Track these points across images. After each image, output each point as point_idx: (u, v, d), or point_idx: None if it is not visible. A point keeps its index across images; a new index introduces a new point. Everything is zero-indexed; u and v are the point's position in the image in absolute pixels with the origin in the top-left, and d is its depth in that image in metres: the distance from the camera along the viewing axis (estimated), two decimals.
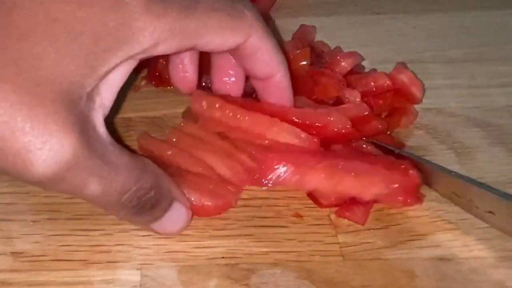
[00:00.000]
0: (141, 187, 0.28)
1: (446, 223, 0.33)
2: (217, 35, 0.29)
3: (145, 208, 0.29)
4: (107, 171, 0.26)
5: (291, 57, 0.40)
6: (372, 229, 0.33)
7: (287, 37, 0.46)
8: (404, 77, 0.39)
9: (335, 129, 0.34)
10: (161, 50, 0.27)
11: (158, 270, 0.30)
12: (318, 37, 0.47)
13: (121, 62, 0.26)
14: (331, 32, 0.47)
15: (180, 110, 0.39)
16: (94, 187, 0.26)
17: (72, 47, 0.24)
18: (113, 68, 0.26)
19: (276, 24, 0.49)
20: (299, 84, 0.40)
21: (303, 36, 0.46)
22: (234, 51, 0.32)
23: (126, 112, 0.40)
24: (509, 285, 0.30)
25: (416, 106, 0.40)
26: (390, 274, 0.30)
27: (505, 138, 0.38)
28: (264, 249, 0.31)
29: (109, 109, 0.28)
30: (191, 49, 0.30)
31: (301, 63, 0.40)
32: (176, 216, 0.31)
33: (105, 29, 0.25)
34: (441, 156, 0.37)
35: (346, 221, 0.33)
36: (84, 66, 0.25)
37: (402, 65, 0.40)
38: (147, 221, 0.30)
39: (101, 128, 0.27)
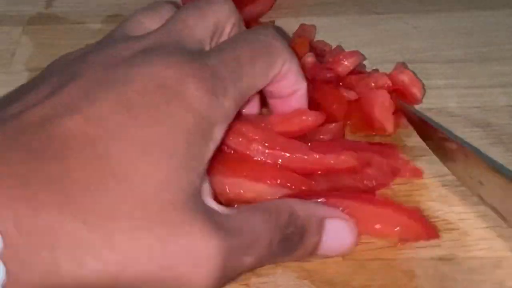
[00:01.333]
0: (281, 228, 0.27)
1: (446, 223, 0.33)
2: (263, 78, 0.30)
3: (296, 243, 0.28)
4: (248, 241, 0.26)
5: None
6: None
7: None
8: (404, 77, 0.39)
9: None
10: (230, 122, 0.28)
11: None
12: (318, 37, 0.47)
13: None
14: (331, 32, 0.47)
15: None
16: (248, 261, 0.26)
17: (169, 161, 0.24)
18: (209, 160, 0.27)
19: (276, 24, 0.49)
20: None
21: (303, 36, 0.46)
22: None
23: None
24: (509, 285, 0.30)
25: (416, 106, 0.40)
26: (390, 274, 0.30)
27: (505, 138, 0.38)
28: None
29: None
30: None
31: (304, 60, 0.40)
32: (335, 233, 0.29)
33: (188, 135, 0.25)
34: None
35: None
36: (190, 174, 0.25)
37: (402, 65, 0.40)
38: (309, 252, 0.29)
39: (220, 208, 0.26)
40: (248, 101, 0.33)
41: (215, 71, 0.27)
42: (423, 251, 0.31)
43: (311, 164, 0.33)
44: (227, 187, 0.32)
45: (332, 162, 0.33)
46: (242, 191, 0.32)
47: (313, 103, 0.39)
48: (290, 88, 0.33)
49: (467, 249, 0.31)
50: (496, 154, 0.37)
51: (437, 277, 0.30)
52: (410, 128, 0.39)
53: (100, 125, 0.23)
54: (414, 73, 0.39)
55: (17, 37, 0.49)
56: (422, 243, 0.32)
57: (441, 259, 0.31)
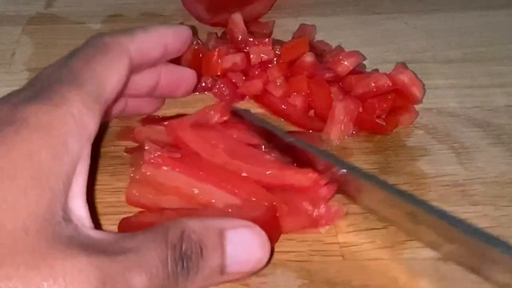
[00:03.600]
0: (173, 246, 0.25)
1: None
2: (111, 76, 0.29)
3: (196, 259, 0.26)
4: (133, 260, 0.24)
5: (289, 47, 0.40)
6: (372, 229, 0.33)
7: (287, 37, 0.46)
8: (404, 77, 0.39)
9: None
10: (92, 129, 0.27)
11: None
12: (318, 37, 0.47)
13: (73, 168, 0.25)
14: (331, 32, 0.48)
15: (179, 110, 0.39)
16: (138, 281, 0.24)
17: (17, 184, 0.23)
18: (71, 176, 0.25)
19: (276, 24, 0.49)
20: (297, 85, 0.40)
21: (303, 36, 0.46)
22: None
23: None
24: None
25: (416, 106, 0.40)
26: (390, 274, 0.30)
27: (505, 138, 0.38)
28: None
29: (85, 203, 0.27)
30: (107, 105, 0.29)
31: (303, 59, 0.40)
32: (241, 243, 0.27)
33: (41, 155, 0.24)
34: (441, 156, 0.37)
35: (346, 221, 0.33)
36: (42, 194, 0.23)
37: (402, 65, 0.40)
38: (217, 269, 0.27)
39: (97, 234, 0.25)
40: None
41: (48, 86, 0.26)
42: (423, 251, 0.31)
43: (270, 179, 0.33)
44: (196, 190, 0.32)
45: (289, 179, 0.33)
46: (212, 200, 0.32)
47: (306, 100, 0.40)
48: (158, 50, 0.33)
49: None
50: (496, 154, 0.37)
51: (437, 277, 0.30)
52: (410, 128, 0.39)
53: None
54: (414, 73, 0.39)
55: (17, 37, 0.49)
56: (422, 242, 0.32)
57: (441, 259, 0.31)
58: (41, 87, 0.27)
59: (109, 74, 0.29)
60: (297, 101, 0.40)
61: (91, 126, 0.27)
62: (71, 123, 0.25)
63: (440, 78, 0.44)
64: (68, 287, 0.22)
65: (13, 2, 0.53)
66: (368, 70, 0.43)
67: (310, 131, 0.39)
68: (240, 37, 0.43)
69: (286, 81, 0.41)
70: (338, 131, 0.38)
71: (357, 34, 0.48)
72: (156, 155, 0.33)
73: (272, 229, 0.31)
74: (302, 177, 0.32)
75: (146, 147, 0.33)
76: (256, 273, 0.30)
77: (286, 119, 0.40)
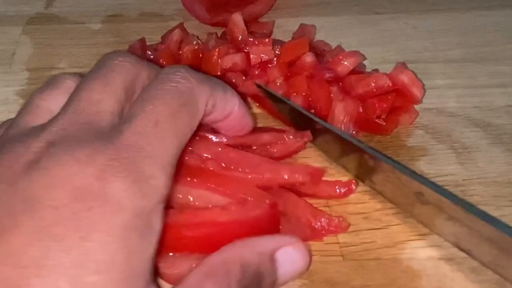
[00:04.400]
0: (238, 284, 0.25)
1: None
2: (188, 131, 0.26)
3: (256, 286, 0.26)
4: None
5: (289, 47, 0.40)
6: (372, 229, 0.33)
7: (287, 37, 0.46)
8: (404, 77, 0.38)
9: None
10: (167, 194, 0.24)
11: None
12: (318, 37, 0.47)
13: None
14: (331, 32, 0.48)
15: None
16: None
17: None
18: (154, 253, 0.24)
19: (276, 24, 0.49)
20: (297, 85, 0.40)
21: (303, 36, 0.46)
22: None
23: None
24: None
25: (416, 106, 0.40)
26: (390, 274, 0.30)
27: (505, 138, 0.38)
28: None
29: None
30: None
31: (303, 59, 0.40)
32: (288, 262, 0.27)
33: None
34: (441, 156, 0.37)
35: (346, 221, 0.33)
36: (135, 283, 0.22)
37: (402, 65, 0.40)
38: (270, 284, 0.27)
39: None
40: None
41: (135, 148, 0.23)
42: (423, 251, 0.31)
43: (266, 182, 0.33)
44: (191, 198, 0.31)
45: (286, 177, 0.33)
46: (208, 204, 0.31)
47: (306, 100, 0.40)
48: (222, 115, 0.30)
49: None
50: (496, 154, 0.37)
51: (437, 277, 0.30)
52: (410, 128, 0.39)
53: (16, 263, 0.20)
54: (414, 73, 0.39)
55: (17, 37, 0.49)
56: (422, 243, 0.32)
57: (441, 259, 0.31)
58: (124, 145, 0.23)
59: (188, 133, 0.26)
60: (297, 101, 0.40)
61: (167, 195, 0.24)
62: (157, 200, 0.23)
63: (440, 78, 0.44)
64: None
65: (13, 2, 0.53)
66: (368, 70, 0.43)
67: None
68: (240, 37, 0.43)
69: (286, 82, 0.41)
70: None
71: (357, 34, 0.48)
72: None
73: (273, 226, 0.31)
74: (298, 174, 0.33)
75: None
76: None
77: (283, 120, 0.40)
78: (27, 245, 0.21)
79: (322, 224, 0.32)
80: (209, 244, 0.28)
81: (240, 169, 0.33)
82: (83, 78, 0.27)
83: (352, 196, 0.34)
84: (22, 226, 0.21)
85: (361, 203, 0.34)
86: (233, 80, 0.41)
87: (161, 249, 0.26)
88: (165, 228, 0.25)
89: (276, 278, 0.27)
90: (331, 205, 0.34)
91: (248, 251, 0.26)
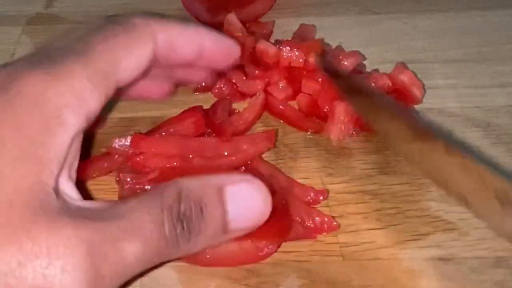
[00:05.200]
0: (170, 207, 0.25)
1: (446, 223, 0.33)
2: (126, 55, 0.27)
3: (196, 220, 0.25)
4: (125, 226, 0.23)
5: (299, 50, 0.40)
6: (372, 229, 0.33)
7: (287, 36, 0.46)
8: (404, 77, 0.39)
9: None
10: (93, 106, 0.25)
11: (159, 270, 0.30)
12: (318, 37, 0.47)
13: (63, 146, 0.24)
14: (331, 32, 0.47)
15: (180, 110, 0.39)
16: (131, 248, 0.23)
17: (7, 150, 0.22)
18: (64, 148, 0.24)
19: (276, 24, 0.49)
20: (309, 85, 0.40)
21: (303, 36, 0.46)
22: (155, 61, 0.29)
23: (125, 112, 0.40)
24: (509, 285, 0.30)
25: (416, 106, 0.40)
26: (390, 274, 0.30)
27: (505, 138, 0.38)
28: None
29: (75, 174, 0.26)
30: (117, 88, 0.27)
31: (310, 59, 0.40)
32: (242, 198, 0.26)
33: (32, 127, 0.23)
34: None
35: (346, 221, 0.33)
36: (31, 166, 0.22)
37: (402, 65, 0.40)
38: (219, 228, 0.26)
39: (87, 204, 0.24)
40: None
41: (56, 55, 0.25)
42: (423, 251, 0.31)
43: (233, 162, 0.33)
44: None
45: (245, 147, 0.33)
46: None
47: (313, 101, 0.39)
48: (191, 50, 0.30)
49: (467, 249, 0.31)
50: (496, 154, 0.37)
51: (437, 277, 0.30)
52: None
53: None
54: (414, 73, 0.39)
55: (17, 37, 0.49)
56: (422, 243, 0.32)
57: (441, 259, 0.31)
58: (48, 54, 0.25)
59: (127, 55, 0.27)
60: (303, 102, 0.40)
61: (92, 103, 0.25)
62: (70, 96, 0.24)
63: (440, 78, 0.43)
64: (53, 262, 0.21)
65: (13, 2, 0.53)
66: (368, 70, 0.43)
67: (310, 131, 0.39)
68: (239, 34, 0.43)
69: (288, 84, 0.41)
70: (338, 131, 0.38)
71: (357, 34, 0.48)
72: (132, 182, 0.32)
73: (285, 216, 0.31)
74: (256, 141, 0.34)
75: (120, 178, 0.33)
76: (256, 273, 0.30)
77: (284, 120, 0.40)
78: None
79: (316, 222, 0.32)
80: None
81: (204, 156, 0.33)
82: None
83: (352, 196, 0.34)
84: None
85: (361, 203, 0.34)
86: (233, 80, 0.41)
87: None
88: None
89: (224, 211, 0.26)
90: (331, 205, 0.34)
91: (189, 181, 0.26)
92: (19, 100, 0.23)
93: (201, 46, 0.31)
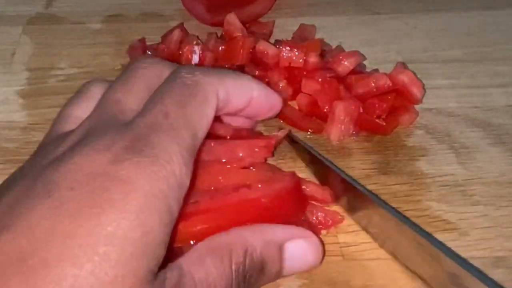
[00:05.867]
0: (238, 268, 0.26)
1: (446, 223, 0.33)
2: (203, 121, 0.27)
3: (257, 277, 0.27)
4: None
5: (299, 50, 0.40)
6: None
7: (287, 37, 0.46)
8: (404, 77, 0.39)
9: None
10: (187, 187, 0.25)
11: None
12: (318, 37, 0.47)
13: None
14: (331, 32, 0.48)
15: None
16: None
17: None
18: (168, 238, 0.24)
19: (276, 24, 0.49)
20: (309, 86, 0.40)
21: (303, 36, 0.46)
22: None
23: None
24: (509, 285, 0.30)
25: (416, 106, 0.40)
26: (390, 274, 0.30)
27: (505, 138, 0.38)
28: None
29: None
30: None
31: (307, 59, 0.40)
32: (298, 255, 0.28)
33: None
34: (441, 156, 0.37)
35: (346, 221, 0.33)
36: (147, 261, 0.22)
37: (402, 65, 0.40)
38: (272, 279, 0.28)
39: (168, 275, 0.24)
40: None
41: (149, 137, 0.24)
42: None
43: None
44: None
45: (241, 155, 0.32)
46: None
47: (313, 101, 0.39)
48: (241, 102, 0.31)
49: (467, 249, 0.31)
50: (496, 154, 0.37)
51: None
52: (410, 128, 0.39)
53: (30, 236, 0.21)
54: (414, 73, 0.39)
55: (17, 37, 0.49)
56: None
57: None
58: (139, 135, 0.24)
59: (202, 121, 0.27)
60: (304, 101, 0.40)
61: (187, 184, 0.25)
62: (175, 185, 0.24)
63: (440, 78, 0.44)
64: None
65: (13, 2, 0.53)
66: (368, 70, 0.43)
67: (310, 131, 0.39)
68: (239, 34, 0.43)
69: (288, 84, 0.41)
70: (338, 131, 0.38)
71: (357, 34, 0.48)
72: None
73: (300, 198, 0.31)
74: (253, 148, 0.33)
75: None
76: None
77: (284, 121, 0.40)
78: (41, 218, 0.22)
79: (319, 218, 0.32)
80: (242, 221, 0.29)
81: (199, 159, 0.32)
82: (111, 83, 0.29)
83: None
84: (38, 206, 0.22)
85: None
86: None
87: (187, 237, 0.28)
88: (194, 214, 0.27)
89: (281, 268, 0.28)
90: (331, 205, 0.34)
91: (255, 237, 0.27)
92: (136, 193, 0.23)
93: (251, 97, 0.31)
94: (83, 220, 0.22)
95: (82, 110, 0.28)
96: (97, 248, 0.21)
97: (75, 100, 0.30)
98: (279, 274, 0.28)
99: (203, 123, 0.27)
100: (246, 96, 0.31)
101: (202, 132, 0.27)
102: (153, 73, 0.28)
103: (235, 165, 0.32)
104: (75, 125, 0.28)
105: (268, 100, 0.33)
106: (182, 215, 0.28)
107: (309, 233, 0.29)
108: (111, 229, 0.22)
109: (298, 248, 0.28)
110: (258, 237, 0.27)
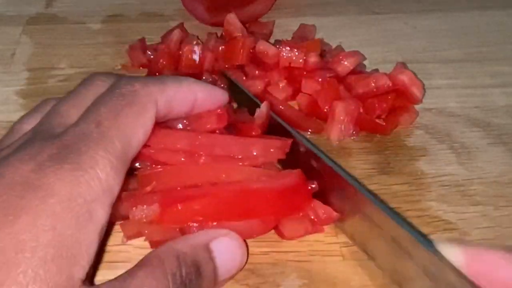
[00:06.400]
0: (173, 275, 0.26)
1: (446, 223, 0.33)
2: (139, 130, 0.28)
3: (196, 280, 0.27)
4: None
5: (299, 50, 0.40)
6: None
7: (287, 37, 0.46)
8: (404, 77, 0.39)
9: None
10: (116, 192, 0.26)
11: None
12: (318, 37, 0.47)
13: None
14: (331, 32, 0.48)
15: None
16: None
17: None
18: (94, 243, 0.24)
19: (276, 24, 0.49)
20: (309, 86, 0.40)
21: (303, 36, 0.46)
22: None
23: None
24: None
25: (416, 106, 0.40)
26: None
27: (505, 138, 0.38)
28: (264, 249, 0.31)
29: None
30: None
31: (307, 59, 0.40)
32: (225, 251, 0.29)
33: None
34: (441, 156, 0.37)
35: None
36: (63, 264, 0.23)
37: (402, 65, 0.40)
38: (212, 281, 0.28)
39: None
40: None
41: (76, 145, 0.25)
42: None
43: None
44: None
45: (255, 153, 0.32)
46: None
47: (313, 101, 0.39)
48: (187, 106, 0.31)
49: None
50: (496, 154, 0.37)
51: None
52: (410, 128, 0.39)
53: None
54: (414, 73, 0.39)
55: (17, 37, 0.49)
56: None
57: None
58: (67, 143, 0.25)
59: (136, 130, 0.27)
60: (304, 101, 0.40)
61: (116, 190, 0.26)
62: (98, 189, 0.24)
63: (440, 78, 0.44)
64: None
65: (13, 2, 0.53)
66: (368, 70, 0.43)
67: (310, 132, 0.39)
68: (239, 34, 0.43)
69: (288, 84, 0.41)
70: (338, 131, 0.38)
71: (357, 34, 0.48)
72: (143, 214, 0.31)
73: (303, 195, 0.31)
74: (268, 148, 0.32)
75: (132, 213, 0.31)
76: (255, 273, 0.30)
77: (285, 120, 0.40)
78: None
79: (319, 215, 0.32)
80: (242, 210, 0.29)
81: (213, 154, 0.32)
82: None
83: None
84: None
85: None
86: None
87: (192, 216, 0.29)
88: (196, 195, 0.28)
89: (215, 266, 0.28)
90: None
91: (181, 244, 0.27)
92: (52, 199, 0.23)
93: (194, 100, 0.32)
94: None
95: (30, 124, 0.29)
96: (11, 258, 0.22)
97: (26, 115, 0.30)
98: (217, 276, 0.28)
99: (139, 132, 0.27)
100: (190, 100, 0.31)
101: (136, 140, 0.27)
102: (103, 89, 0.29)
103: (247, 163, 0.32)
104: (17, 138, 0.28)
105: (213, 98, 0.33)
106: (181, 197, 0.29)
107: (227, 231, 0.29)
108: (24, 237, 0.22)
109: (223, 245, 0.29)
110: (184, 244, 0.28)
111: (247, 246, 0.30)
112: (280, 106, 0.40)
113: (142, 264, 0.26)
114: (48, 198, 0.23)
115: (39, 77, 0.44)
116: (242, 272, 0.30)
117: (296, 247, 0.31)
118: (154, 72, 0.42)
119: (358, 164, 0.37)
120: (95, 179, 0.24)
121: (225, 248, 0.29)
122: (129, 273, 0.25)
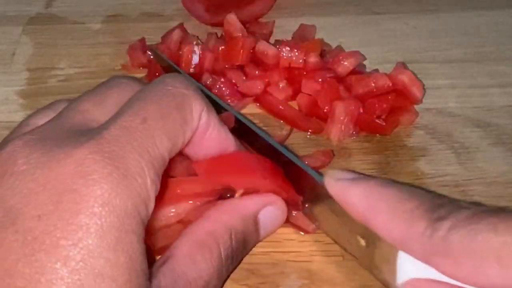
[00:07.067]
0: (226, 254, 0.26)
1: None
2: (180, 136, 0.25)
3: (241, 252, 0.28)
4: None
5: (299, 50, 0.40)
6: None
7: (287, 37, 0.46)
8: (404, 77, 0.39)
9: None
10: (152, 208, 0.23)
11: None
12: (318, 37, 0.47)
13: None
14: (331, 32, 0.47)
15: None
16: None
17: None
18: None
19: (276, 24, 0.49)
20: (309, 86, 0.40)
21: (303, 36, 0.46)
22: None
23: None
24: None
25: (416, 106, 0.40)
26: None
27: (505, 138, 0.38)
28: (264, 249, 0.31)
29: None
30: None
31: (307, 59, 0.40)
32: (270, 220, 0.29)
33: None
34: (441, 156, 0.37)
35: None
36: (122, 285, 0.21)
37: (402, 65, 0.40)
38: (252, 247, 0.29)
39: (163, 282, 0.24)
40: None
41: (119, 142, 0.22)
42: None
43: None
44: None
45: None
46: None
47: (313, 101, 0.39)
48: (216, 148, 0.28)
49: None
50: (496, 154, 0.37)
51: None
52: (410, 128, 0.39)
53: (11, 285, 0.20)
54: (414, 73, 0.39)
55: (17, 37, 0.49)
56: None
57: None
58: (109, 138, 0.22)
59: (179, 139, 0.25)
60: (304, 101, 0.40)
61: (152, 205, 0.23)
62: (143, 198, 0.22)
63: (440, 78, 0.44)
64: None
65: (13, 2, 0.53)
66: (368, 70, 0.43)
67: (310, 132, 0.39)
68: (239, 34, 0.43)
69: (288, 84, 0.41)
70: (338, 131, 0.38)
71: (357, 34, 0.48)
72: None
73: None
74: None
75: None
76: (255, 273, 0.30)
77: (284, 121, 0.40)
78: (17, 263, 0.20)
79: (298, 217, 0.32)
80: None
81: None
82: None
83: None
84: (7, 243, 0.20)
85: None
86: (233, 80, 0.41)
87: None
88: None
89: (258, 236, 0.29)
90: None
91: (234, 217, 0.27)
92: (113, 216, 0.21)
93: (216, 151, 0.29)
94: (64, 257, 0.20)
95: (41, 119, 0.26)
96: (84, 285, 0.20)
97: (37, 112, 0.27)
98: (256, 242, 0.29)
99: (180, 138, 0.25)
100: (213, 149, 0.28)
101: (176, 149, 0.25)
102: (127, 91, 0.26)
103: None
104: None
105: (225, 140, 0.29)
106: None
107: (274, 198, 0.29)
108: (94, 262, 0.20)
109: (268, 214, 0.29)
110: (236, 217, 0.27)
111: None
112: (280, 106, 0.40)
113: (198, 244, 0.26)
114: (107, 216, 0.21)
115: (39, 77, 0.44)
116: (242, 272, 0.30)
117: (296, 247, 0.31)
118: (153, 73, 0.42)
119: (358, 164, 0.37)
120: (143, 188, 0.22)
121: (269, 218, 0.29)
122: (188, 255, 0.25)
